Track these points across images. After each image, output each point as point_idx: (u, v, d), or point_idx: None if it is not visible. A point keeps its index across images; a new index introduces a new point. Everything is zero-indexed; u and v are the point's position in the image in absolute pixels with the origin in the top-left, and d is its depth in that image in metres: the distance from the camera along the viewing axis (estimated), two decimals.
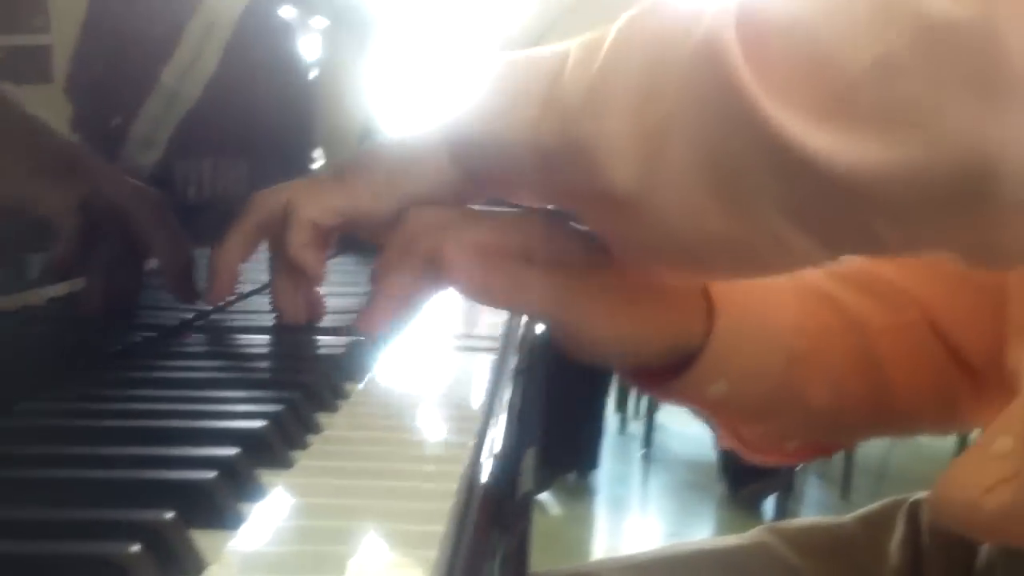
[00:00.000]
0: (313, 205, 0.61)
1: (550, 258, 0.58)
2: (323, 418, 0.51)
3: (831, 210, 0.44)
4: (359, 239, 0.63)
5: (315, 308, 0.70)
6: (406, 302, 0.59)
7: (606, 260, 0.56)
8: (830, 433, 0.75)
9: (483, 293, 0.58)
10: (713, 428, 0.76)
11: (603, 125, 0.48)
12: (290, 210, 0.61)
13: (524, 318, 0.83)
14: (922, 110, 0.39)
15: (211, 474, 0.38)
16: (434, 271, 0.56)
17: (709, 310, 0.63)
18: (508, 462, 0.50)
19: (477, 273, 0.56)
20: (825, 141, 0.41)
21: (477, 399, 0.58)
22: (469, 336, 0.80)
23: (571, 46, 0.52)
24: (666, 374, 0.65)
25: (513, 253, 0.57)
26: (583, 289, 0.58)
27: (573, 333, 0.60)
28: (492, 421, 0.54)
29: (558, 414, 2.95)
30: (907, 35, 0.39)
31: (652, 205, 0.47)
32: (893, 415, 0.71)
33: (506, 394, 0.61)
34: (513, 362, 0.71)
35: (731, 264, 0.51)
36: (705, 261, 0.50)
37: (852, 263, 0.72)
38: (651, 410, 3.93)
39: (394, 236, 0.58)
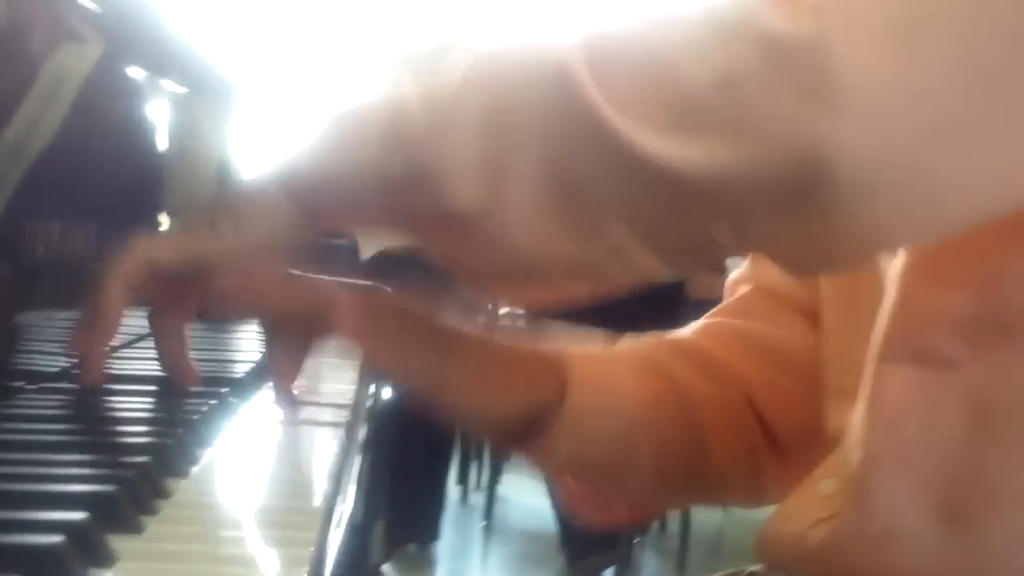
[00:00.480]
0: (151, 243, 0.61)
1: (422, 328, 0.62)
2: (173, 483, 0.51)
3: (673, 216, 0.46)
4: (211, 303, 0.63)
5: (186, 372, 0.68)
6: (300, 361, 0.61)
7: (473, 333, 0.61)
8: (655, 496, 0.79)
9: (369, 349, 0.61)
10: (553, 486, 0.81)
11: (450, 147, 0.49)
12: (129, 248, 0.60)
13: (372, 388, 0.84)
14: (761, 117, 0.42)
15: (59, 538, 0.37)
16: (323, 330, 0.59)
17: (563, 378, 0.67)
18: (359, 534, 0.51)
19: (366, 331, 0.59)
20: (671, 149, 0.44)
21: (328, 468, 0.58)
22: (320, 405, 0.81)
23: (409, 83, 0.53)
24: (521, 435, 0.68)
25: (391, 318, 0.61)
26: (456, 355, 0.62)
27: (442, 395, 0.63)
28: (342, 491, 0.54)
29: (399, 484, 2.94)
30: (747, 51, 0.43)
31: (498, 224, 0.49)
32: (709, 482, 0.76)
33: (356, 464, 0.62)
34: (362, 432, 0.72)
35: (575, 279, 0.53)
36: (550, 277, 0.52)
37: (680, 337, 0.77)
38: (492, 482, 3.94)
39: (283, 301, 0.60)
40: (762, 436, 0.76)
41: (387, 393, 0.88)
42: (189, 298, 0.62)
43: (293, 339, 0.61)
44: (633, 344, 0.77)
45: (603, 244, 0.48)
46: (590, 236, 0.48)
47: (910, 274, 0.54)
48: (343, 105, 0.56)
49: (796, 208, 0.44)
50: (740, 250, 0.51)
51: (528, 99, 0.48)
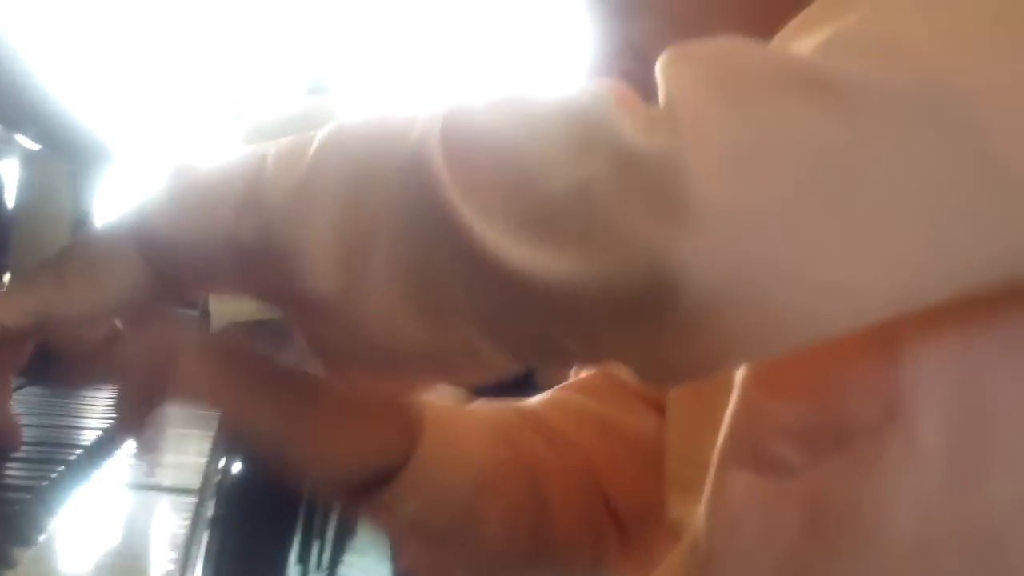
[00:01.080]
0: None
1: (272, 378, 0.61)
2: (19, 553, 0.50)
3: (523, 321, 0.46)
4: (54, 364, 0.61)
5: (9, 434, 0.66)
6: (147, 421, 0.59)
7: (321, 382, 0.60)
8: (497, 565, 0.79)
9: (215, 402, 0.60)
10: (397, 555, 0.79)
11: (306, 229, 0.48)
12: None
13: (222, 463, 0.82)
14: (612, 230, 0.43)
15: None
16: (169, 384, 0.58)
17: (415, 431, 0.67)
18: None
19: (212, 384, 0.58)
20: (522, 253, 0.44)
21: (175, 540, 0.57)
22: (169, 478, 0.79)
23: (269, 149, 0.52)
24: (370, 489, 0.67)
25: (240, 369, 0.59)
26: (307, 405, 0.62)
27: (293, 449, 0.62)
28: (189, 565, 0.54)
29: (239, 561, 2.86)
30: (603, 162, 0.43)
31: (351, 311, 0.48)
32: (551, 554, 0.76)
33: (203, 538, 0.61)
34: (210, 506, 0.71)
35: (427, 371, 0.53)
36: (402, 367, 0.52)
37: (530, 406, 0.79)
38: (333, 563, 3.86)
39: (125, 356, 0.58)
40: (605, 513, 0.77)
41: (237, 467, 0.86)
42: (17, 356, 0.59)
43: (138, 397, 0.59)
44: (485, 407, 0.78)
45: (454, 339, 0.48)
46: (441, 330, 0.48)
47: (751, 380, 0.55)
48: (201, 163, 0.55)
49: (642, 322, 0.44)
50: (590, 359, 0.52)
51: (383, 182, 0.47)
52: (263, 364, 0.62)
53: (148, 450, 0.64)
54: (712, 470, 0.56)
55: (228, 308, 2.54)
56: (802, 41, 0.46)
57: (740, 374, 0.56)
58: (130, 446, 0.61)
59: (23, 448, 0.68)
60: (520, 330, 0.47)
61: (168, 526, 0.62)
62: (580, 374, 0.83)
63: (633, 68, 0.64)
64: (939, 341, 0.51)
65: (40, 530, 0.55)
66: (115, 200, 1.55)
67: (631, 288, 0.43)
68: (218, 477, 0.80)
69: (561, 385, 0.82)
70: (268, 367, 0.62)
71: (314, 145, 0.50)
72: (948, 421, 0.51)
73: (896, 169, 0.43)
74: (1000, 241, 0.45)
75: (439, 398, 0.72)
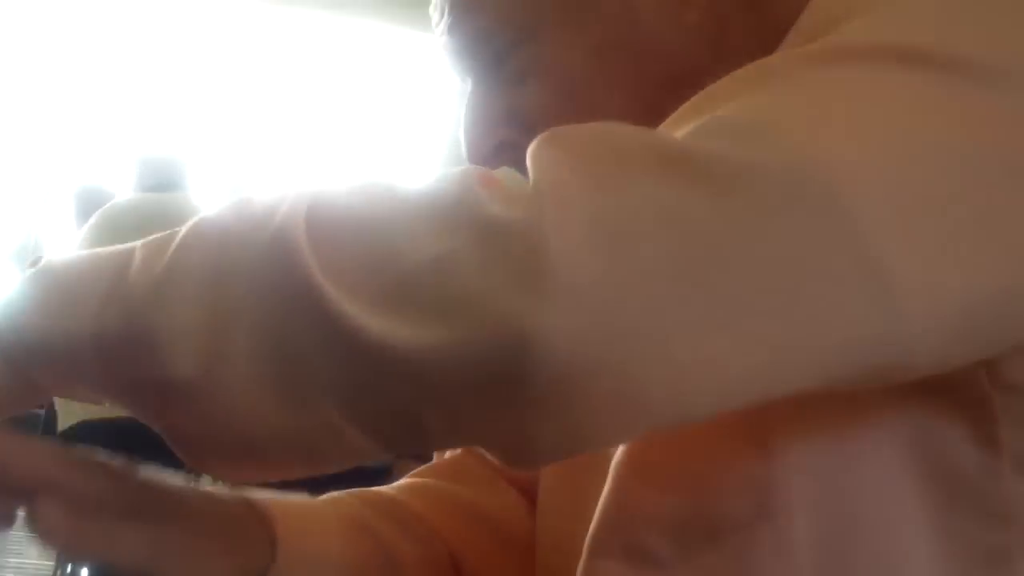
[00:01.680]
0: None
1: (131, 499, 0.58)
2: None
3: (385, 398, 0.45)
4: None
5: None
6: None
7: (181, 493, 0.58)
8: None
9: (76, 548, 0.57)
10: None
11: (168, 314, 0.47)
12: None
13: (68, 568, 0.80)
14: (470, 300, 0.42)
15: None
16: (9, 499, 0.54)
17: (272, 537, 0.65)
18: None
19: (72, 531, 0.55)
20: (382, 326, 0.43)
21: None
22: None
23: (136, 245, 0.51)
24: None
25: (101, 502, 0.56)
26: (167, 528, 0.59)
27: (151, 569, 0.59)
28: None
29: None
30: (463, 234, 0.43)
31: (214, 396, 0.47)
32: None
33: None
34: None
35: (291, 458, 0.51)
36: (265, 456, 0.50)
37: (384, 494, 0.76)
38: None
39: None
40: None
41: (84, 572, 0.85)
42: None
43: None
44: (336, 499, 0.75)
45: (318, 422, 0.46)
46: (304, 413, 0.46)
47: (625, 468, 0.54)
48: (63, 262, 0.53)
49: (502, 395, 0.43)
50: (452, 440, 0.51)
51: (247, 264, 0.47)
52: (122, 482, 0.59)
53: None
54: (583, 559, 0.55)
55: (76, 406, 2.47)
56: (683, 127, 0.46)
57: (614, 461, 0.55)
58: None
59: None
60: (382, 408, 0.46)
61: None
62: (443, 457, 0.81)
63: (513, 136, 0.66)
64: (810, 437, 0.51)
65: None
66: None
67: (490, 358, 0.42)
68: None
69: (420, 469, 0.80)
70: (127, 485, 0.59)
71: (179, 236, 0.50)
72: (818, 519, 0.51)
73: (759, 249, 0.43)
74: (864, 329, 0.44)
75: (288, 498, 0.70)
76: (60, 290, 0.52)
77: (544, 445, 0.46)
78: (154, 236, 0.51)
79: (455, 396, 0.44)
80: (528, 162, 0.46)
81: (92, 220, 2.58)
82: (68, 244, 3.12)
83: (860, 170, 0.44)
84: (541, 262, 0.41)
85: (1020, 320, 0.48)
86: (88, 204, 3.14)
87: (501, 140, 0.67)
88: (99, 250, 0.53)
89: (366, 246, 0.45)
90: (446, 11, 0.67)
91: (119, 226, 2.48)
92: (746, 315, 0.43)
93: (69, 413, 2.50)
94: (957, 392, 0.50)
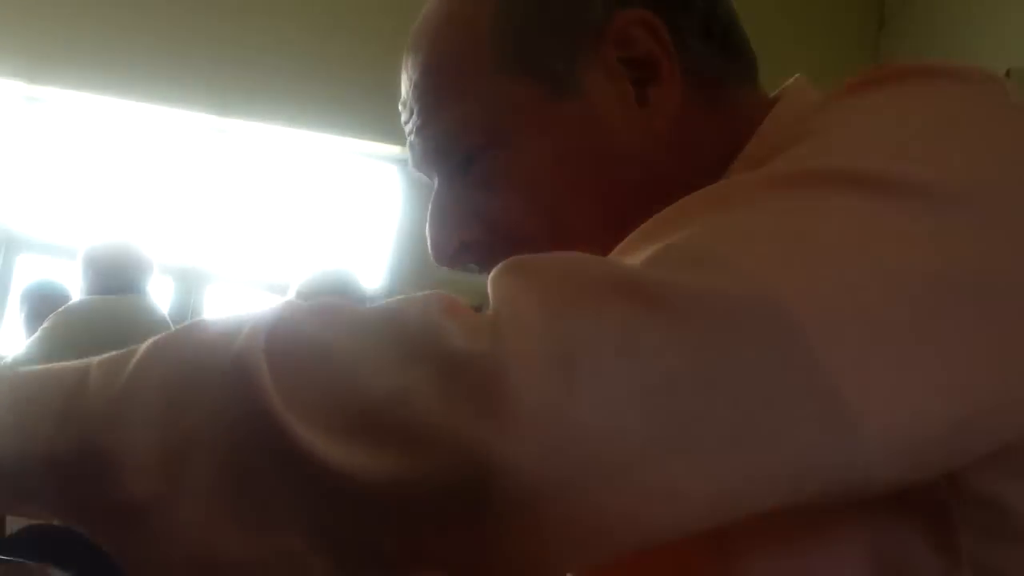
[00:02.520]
0: None
1: None
2: None
3: (345, 526, 0.44)
4: None
5: None
6: None
7: None
8: None
9: None
10: None
11: (124, 435, 0.46)
12: None
13: None
14: (434, 430, 0.42)
15: None
16: None
17: None
18: None
19: None
20: (342, 455, 0.42)
21: None
22: None
23: (92, 362, 0.50)
24: None
25: None
26: None
27: None
28: None
29: None
30: (424, 366, 0.43)
31: (169, 521, 0.46)
32: None
33: None
34: None
35: None
36: None
37: None
38: None
39: None
40: None
41: None
42: None
43: None
44: None
45: (276, 550, 0.45)
46: (263, 540, 0.45)
47: None
48: (16, 374, 0.52)
49: (463, 522, 0.43)
50: (413, 566, 0.47)
51: (205, 389, 0.46)
52: None
53: None
54: None
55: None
56: (637, 255, 0.47)
57: None
58: None
59: None
60: (342, 536, 0.45)
61: None
62: None
63: (477, 236, 0.67)
64: (770, 548, 0.52)
65: None
66: None
67: (452, 486, 0.42)
68: None
69: None
70: None
71: (137, 355, 0.49)
72: None
73: (716, 378, 0.43)
74: (820, 456, 0.44)
75: None
76: (13, 408, 0.51)
77: (505, 570, 0.45)
78: (110, 354, 0.50)
79: (416, 524, 0.44)
80: (489, 288, 0.47)
81: (46, 323, 2.57)
82: (19, 344, 3.12)
83: (813, 298, 0.44)
84: (501, 391, 0.42)
85: (975, 440, 0.48)
86: (40, 304, 3.14)
87: (465, 240, 0.67)
88: (52, 367, 0.52)
89: (327, 375, 0.45)
90: (415, 111, 0.68)
91: (73, 328, 2.48)
92: (704, 443, 0.43)
93: (17, 518, 2.47)
94: (916, 502, 0.50)
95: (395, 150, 3.98)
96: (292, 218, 4.24)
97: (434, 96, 0.67)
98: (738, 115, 0.64)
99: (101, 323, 2.44)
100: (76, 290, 2.82)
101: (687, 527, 0.45)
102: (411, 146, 0.70)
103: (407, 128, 0.69)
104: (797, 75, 0.66)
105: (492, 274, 0.47)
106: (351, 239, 4.19)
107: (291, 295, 2.18)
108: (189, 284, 4.11)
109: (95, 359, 0.51)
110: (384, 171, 4.14)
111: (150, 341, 0.50)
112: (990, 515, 0.50)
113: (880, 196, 0.47)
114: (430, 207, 0.69)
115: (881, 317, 0.45)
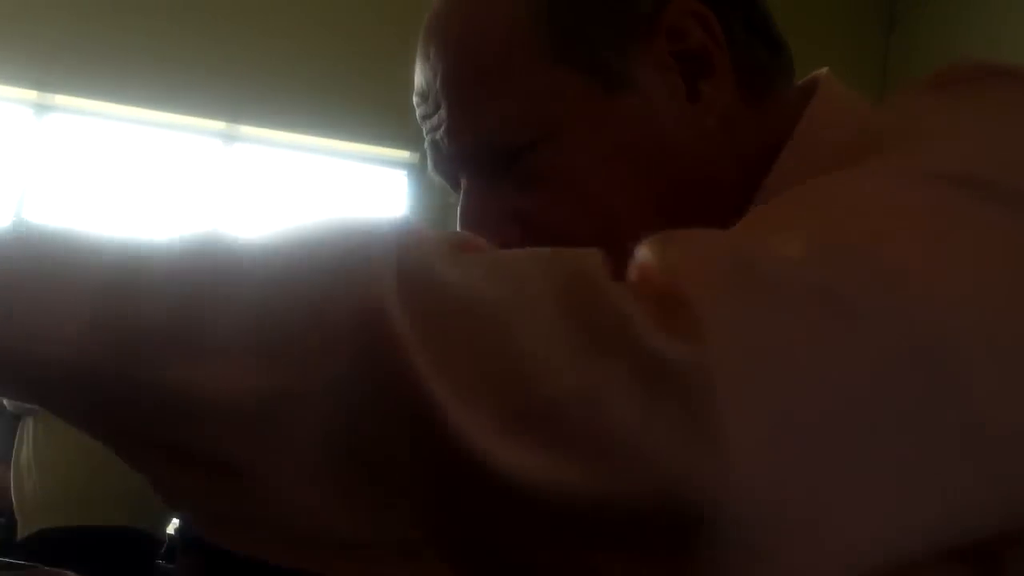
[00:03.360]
0: None
1: None
2: None
3: (493, 530, 0.37)
4: None
5: None
6: None
7: None
8: None
9: None
10: None
11: (204, 371, 0.37)
12: None
13: None
14: (630, 445, 0.35)
15: None
16: None
17: None
18: None
19: None
20: (514, 455, 0.35)
21: None
22: None
23: (135, 246, 0.41)
24: None
25: None
26: None
27: None
28: None
29: None
30: (619, 363, 0.36)
31: (259, 486, 0.38)
32: None
33: None
34: None
35: (341, 568, 0.43)
36: (309, 561, 0.41)
37: None
38: None
39: None
40: None
41: None
42: None
43: None
44: None
45: (389, 535, 0.39)
46: (375, 521, 0.39)
47: None
48: (22, 236, 0.43)
49: (650, 554, 0.36)
50: None
51: (317, 333, 0.37)
52: None
53: None
54: None
55: (36, 515, 2.45)
56: (773, 238, 0.41)
57: None
58: None
59: None
60: (487, 538, 0.38)
61: None
62: None
63: (517, 237, 0.62)
64: None
65: None
66: None
67: (648, 513, 0.35)
68: None
69: None
70: None
71: (209, 260, 0.40)
72: None
73: (900, 421, 0.38)
74: (971, 496, 0.40)
75: None
76: (19, 285, 0.40)
77: None
78: (160, 242, 0.41)
79: (591, 545, 0.37)
80: (653, 258, 0.40)
81: None
82: None
83: (977, 326, 0.40)
84: (711, 410, 0.35)
85: None
86: None
87: (504, 241, 0.61)
88: (75, 234, 0.43)
89: (488, 349, 0.37)
90: (444, 106, 0.62)
91: None
92: (889, 488, 0.38)
93: (29, 522, 2.48)
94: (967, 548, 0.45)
95: (403, 155, 3.98)
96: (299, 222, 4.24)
97: (472, 88, 0.61)
98: (781, 112, 0.62)
99: None
100: None
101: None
102: (434, 145, 0.64)
103: (430, 123, 0.63)
104: (824, 68, 0.64)
105: (655, 249, 0.40)
106: None
107: None
108: None
109: (140, 245, 0.41)
110: (392, 176, 4.14)
111: (220, 239, 0.41)
112: None
113: (994, 200, 0.43)
114: (461, 209, 0.64)
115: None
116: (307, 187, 4.27)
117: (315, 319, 0.38)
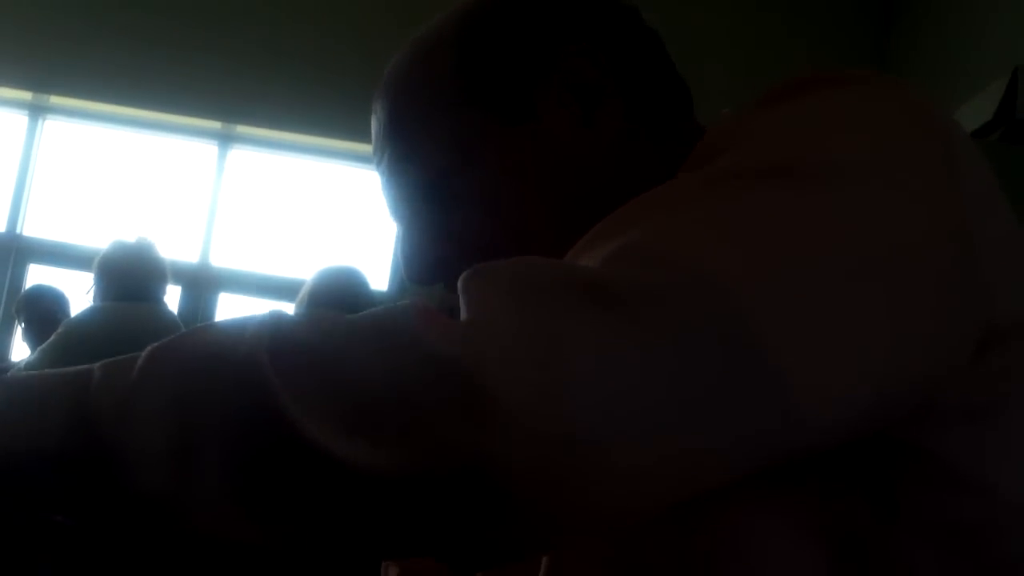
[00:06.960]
0: None
1: None
2: None
3: (348, 513, 0.48)
4: None
5: None
6: None
7: None
8: None
9: None
10: None
11: (135, 430, 0.49)
12: None
13: None
14: (425, 427, 0.46)
15: None
16: None
17: None
18: None
19: None
20: (347, 446, 0.46)
21: None
22: None
23: (95, 365, 0.52)
24: None
25: None
26: None
27: None
28: None
29: None
30: (412, 368, 0.47)
31: (182, 510, 0.49)
32: None
33: None
34: None
35: (254, 555, 0.52)
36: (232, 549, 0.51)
37: None
38: None
39: None
40: None
41: None
42: None
43: None
44: None
45: (286, 533, 0.49)
46: (272, 524, 0.49)
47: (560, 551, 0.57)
48: (18, 377, 0.54)
49: (457, 513, 0.47)
50: (405, 550, 0.52)
51: (214, 388, 0.49)
52: None
53: None
54: None
55: None
56: (592, 255, 0.52)
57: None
58: None
59: None
60: (344, 520, 0.48)
61: None
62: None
63: (448, 255, 0.73)
64: (725, 519, 0.55)
65: None
66: None
67: (445, 481, 0.46)
68: None
69: None
70: None
71: (143, 357, 0.51)
72: None
73: (672, 366, 0.47)
74: (769, 432, 0.49)
75: None
76: (21, 407, 0.52)
77: (495, 554, 0.50)
78: (114, 359, 0.53)
79: (412, 511, 0.47)
80: (460, 293, 0.51)
81: (61, 328, 2.56)
82: (26, 350, 3.11)
83: (752, 283, 0.49)
84: (481, 391, 0.45)
85: (902, 396, 0.53)
86: (37, 307, 3.14)
87: (438, 256, 0.74)
88: (55, 370, 0.54)
89: (325, 374, 0.48)
90: (386, 150, 0.75)
91: (90, 334, 2.47)
92: (665, 428, 0.47)
93: None
94: (855, 462, 0.55)
95: None
96: (300, 222, 4.24)
97: (406, 130, 0.74)
98: (677, 137, 0.72)
99: (119, 329, 2.43)
100: (76, 295, 2.80)
101: (659, 505, 0.50)
102: (384, 188, 0.76)
103: (379, 170, 0.76)
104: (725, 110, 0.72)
105: (461, 280, 0.51)
106: (358, 243, 4.20)
107: (304, 293, 2.20)
108: (199, 290, 4.12)
109: (96, 365, 0.53)
110: None
111: (154, 345, 0.52)
112: (924, 467, 0.55)
113: (792, 182, 0.53)
114: (402, 233, 0.76)
115: (813, 292, 0.50)
116: (304, 186, 4.27)
117: (212, 379, 0.50)
